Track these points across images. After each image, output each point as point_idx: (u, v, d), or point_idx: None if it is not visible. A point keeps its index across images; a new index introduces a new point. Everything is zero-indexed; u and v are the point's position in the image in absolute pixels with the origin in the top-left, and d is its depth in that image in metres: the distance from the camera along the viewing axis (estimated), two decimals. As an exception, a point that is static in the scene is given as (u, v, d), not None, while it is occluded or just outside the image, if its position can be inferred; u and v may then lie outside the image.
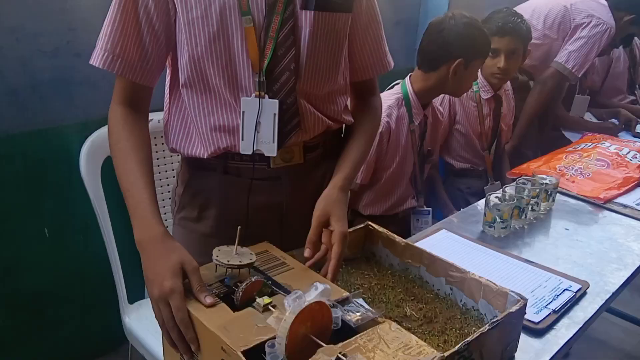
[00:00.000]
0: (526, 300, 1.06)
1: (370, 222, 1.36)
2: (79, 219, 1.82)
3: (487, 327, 0.98)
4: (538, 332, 1.18)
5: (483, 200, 1.67)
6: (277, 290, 0.97)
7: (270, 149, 1.09)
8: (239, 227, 0.99)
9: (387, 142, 1.86)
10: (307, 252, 1.05)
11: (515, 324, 1.06)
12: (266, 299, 0.92)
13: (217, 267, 0.98)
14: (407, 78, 1.95)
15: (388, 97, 1.88)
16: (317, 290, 0.87)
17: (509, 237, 1.61)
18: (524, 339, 1.16)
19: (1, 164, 1.69)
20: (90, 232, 1.66)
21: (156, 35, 1.06)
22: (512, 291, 1.08)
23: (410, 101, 1.89)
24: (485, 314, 1.13)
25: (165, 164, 1.86)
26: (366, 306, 0.96)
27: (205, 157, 1.13)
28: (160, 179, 1.83)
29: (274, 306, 0.91)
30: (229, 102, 1.09)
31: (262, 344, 0.84)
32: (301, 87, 1.10)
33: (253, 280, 0.94)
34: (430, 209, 2.03)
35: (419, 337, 1.06)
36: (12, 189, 1.73)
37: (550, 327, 1.20)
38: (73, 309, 1.91)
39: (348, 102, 1.30)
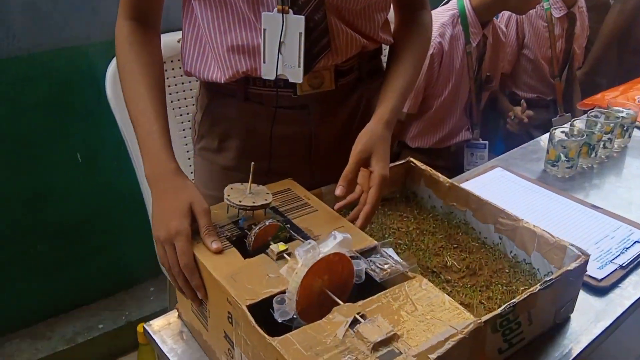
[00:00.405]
0: (588, 256, 0.91)
1: (412, 159, 1.21)
2: (112, 144, 1.74)
3: (538, 286, 0.84)
4: (600, 290, 1.03)
5: (547, 135, 1.48)
6: (296, 235, 0.86)
7: (295, 74, 0.95)
8: (253, 163, 0.87)
9: (439, 66, 1.66)
10: (339, 190, 0.93)
11: (573, 283, 0.91)
12: (281, 246, 0.81)
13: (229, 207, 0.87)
14: None
15: (441, 14, 1.66)
16: (335, 240, 0.75)
17: (574, 178, 1.43)
18: (583, 298, 1.01)
19: (24, 86, 1.61)
20: (123, 158, 1.59)
21: None
22: (571, 245, 0.93)
23: (467, 18, 1.67)
24: (538, 269, 0.99)
25: (190, 83, 1.71)
26: (396, 257, 0.83)
27: (222, 82, 1.00)
28: (186, 105, 1.71)
29: (289, 254, 0.80)
30: (247, 18, 0.94)
31: (271, 297, 0.73)
32: (331, 0, 0.93)
33: (267, 223, 0.83)
34: (486, 142, 1.84)
35: (459, 291, 0.95)
36: (38, 113, 1.67)
37: (615, 285, 1.05)
38: (108, 237, 1.89)
39: (390, 19, 1.12)
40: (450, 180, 1.12)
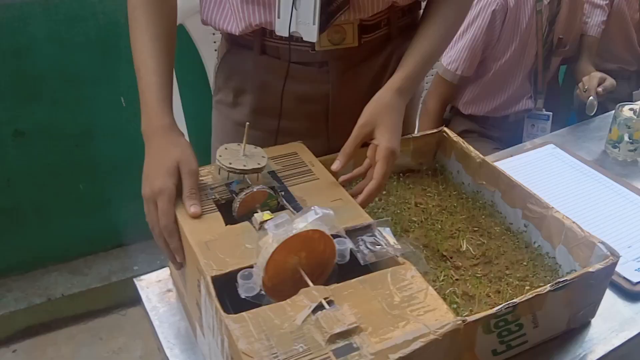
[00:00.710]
0: (618, 257, 0.79)
1: (445, 128, 1.11)
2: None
3: (548, 287, 0.74)
4: (633, 295, 0.91)
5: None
6: (287, 204, 0.81)
7: (309, 32, 0.87)
8: (247, 123, 0.82)
9: (502, 25, 1.50)
10: (334, 165, 0.86)
11: (594, 286, 0.80)
12: (266, 215, 0.76)
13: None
14: None
15: None
16: (314, 216, 0.69)
17: (637, 163, 1.26)
18: (610, 301, 0.90)
19: (74, 26, 1.63)
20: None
21: None
22: (602, 242, 0.81)
23: None
24: (561, 265, 0.88)
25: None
26: (390, 239, 0.77)
27: (237, 33, 0.94)
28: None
29: (273, 224, 0.75)
30: None
31: (240, 270, 0.69)
32: None
33: (255, 189, 0.79)
34: (550, 113, 1.67)
35: (466, 280, 0.87)
36: (85, 54, 1.69)
37: (654, 290, 0.92)
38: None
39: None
40: (482, 156, 1.02)
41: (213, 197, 0.82)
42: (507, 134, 1.68)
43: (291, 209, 0.80)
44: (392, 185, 1.06)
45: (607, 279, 0.81)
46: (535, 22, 1.52)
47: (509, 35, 1.52)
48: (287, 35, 0.88)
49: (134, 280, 0.95)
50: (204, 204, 0.80)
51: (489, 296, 0.85)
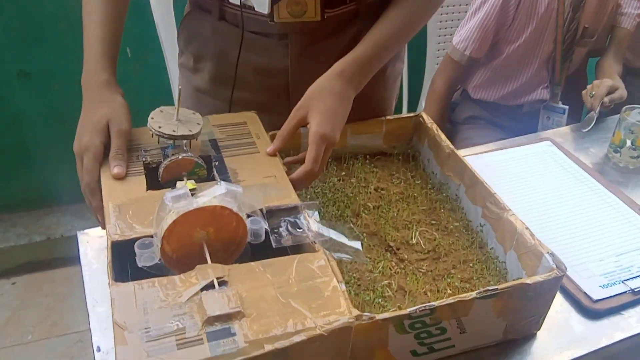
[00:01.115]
0: (563, 272, 0.72)
1: (423, 113, 1.04)
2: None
3: (474, 294, 0.69)
4: (590, 312, 0.84)
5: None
6: (216, 175, 0.78)
7: (261, 3, 0.81)
8: (180, 87, 0.78)
9: (517, 5, 1.39)
10: (270, 148, 0.81)
11: (536, 299, 0.74)
12: (189, 184, 0.72)
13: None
14: None
15: None
16: (220, 191, 0.65)
17: (638, 172, 1.16)
18: (566, 315, 0.84)
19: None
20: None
21: None
22: (550, 253, 0.75)
23: None
24: (509, 271, 0.82)
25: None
26: (313, 224, 0.72)
27: None
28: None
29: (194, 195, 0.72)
30: None
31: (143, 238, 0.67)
32: None
33: (181, 157, 0.75)
34: (566, 107, 1.55)
35: (407, 274, 0.82)
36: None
37: (614, 311, 0.84)
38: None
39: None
40: (452, 147, 0.96)
41: (144, 159, 0.79)
42: (519, 124, 1.57)
43: (219, 180, 0.76)
44: (356, 167, 1.01)
45: (550, 292, 0.75)
46: (555, 6, 1.41)
47: (524, 18, 1.41)
48: (238, 2, 0.83)
49: (77, 233, 0.94)
50: (133, 165, 0.78)
51: (426, 294, 0.80)
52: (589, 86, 1.33)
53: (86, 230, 0.94)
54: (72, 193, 2.01)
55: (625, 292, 0.86)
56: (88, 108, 0.81)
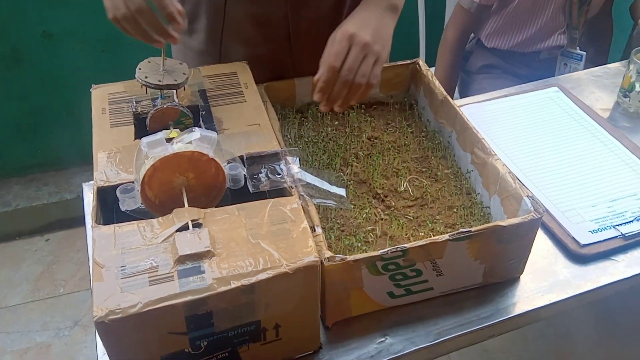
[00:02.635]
0: (540, 215, 0.73)
1: (419, 60, 1.03)
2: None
3: (446, 236, 0.70)
4: (577, 257, 0.84)
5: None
6: (201, 124, 0.80)
7: None
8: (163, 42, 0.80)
9: None
10: (316, 76, 0.80)
11: (513, 242, 0.75)
12: (173, 133, 0.75)
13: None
14: None
15: None
16: (193, 137, 0.68)
17: (647, 116, 1.13)
18: (551, 259, 0.84)
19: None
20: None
21: None
22: (529, 196, 0.75)
23: None
24: (493, 216, 0.83)
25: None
26: (294, 169, 0.74)
27: None
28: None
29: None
30: None
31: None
32: None
33: (165, 106, 0.78)
34: (583, 53, 1.50)
35: (391, 221, 0.84)
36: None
37: (603, 256, 0.84)
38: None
39: None
40: (445, 94, 0.95)
41: (134, 109, 0.82)
42: (536, 72, 1.53)
43: (204, 129, 0.79)
44: (351, 116, 1.02)
45: (528, 235, 0.75)
46: None
47: None
48: None
49: (82, 184, 0.99)
50: (124, 116, 0.81)
51: (409, 239, 0.81)
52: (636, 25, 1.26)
53: (90, 182, 0.98)
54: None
55: (616, 237, 0.85)
56: None
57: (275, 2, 0.94)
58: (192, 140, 0.67)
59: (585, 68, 1.51)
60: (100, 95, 0.85)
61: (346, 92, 0.80)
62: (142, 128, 0.80)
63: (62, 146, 2.07)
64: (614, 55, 1.72)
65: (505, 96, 1.17)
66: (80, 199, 2.10)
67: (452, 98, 0.95)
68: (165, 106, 0.78)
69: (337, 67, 0.78)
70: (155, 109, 0.78)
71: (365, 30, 0.80)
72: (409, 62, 1.04)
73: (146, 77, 0.79)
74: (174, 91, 0.82)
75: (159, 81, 0.79)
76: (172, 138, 0.73)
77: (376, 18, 0.83)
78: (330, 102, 0.81)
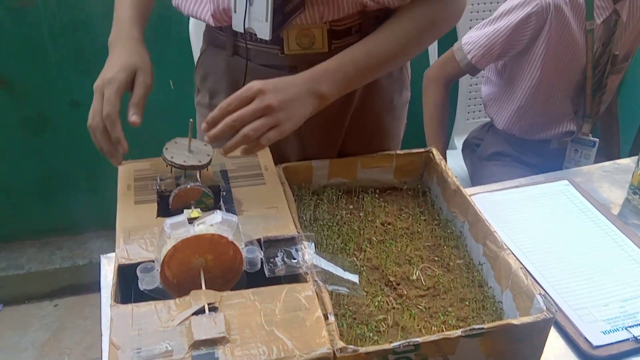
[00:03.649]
0: (553, 314, 0.73)
1: (433, 149, 1.07)
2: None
3: (459, 332, 0.70)
4: (589, 358, 0.83)
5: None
6: (222, 205, 0.83)
7: (262, 30, 0.87)
8: (191, 120, 0.84)
9: (537, 32, 1.38)
10: (202, 126, 0.81)
11: (525, 341, 0.75)
12: (194, 212, 0.78)
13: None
14: None
15: None
16: (216, 220, 0.70)
17: (658, 214, 1.14)
18: (565, 358, 0.83)
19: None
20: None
21: None
22: (542, 294, 0.75)
23: None
24: (505, 312, 0.83)
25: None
26: (308, 255, 0.76)
27: (207, 19, 0.93)
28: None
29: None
30: None
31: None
32: None
33: (189, 186, 0.81)
34: (596, 139, 1.53)
35: (403, 311, 0.84)
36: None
37: (614, 358, 0.83)
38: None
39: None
40: (457, 183, 0.97)
41: (158, 187, 0.85)
42: (547, 162, 1.57)
43: (224, 210, 0.81)
44: (365, 201, 1.04)
45: (541, 334, 0.75)
46: (585, 41, 1.40)
47: (546, 45, 1.40)
48: (242, 30, 0.88)
49: (100, 256, 1.00)
50: (147, 193, 0.84)
51: (421, 331, 0.81)
52: None
53: (109, 254, 0.99)
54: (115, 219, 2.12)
55: (628, 339, 0.85)
56: (117, 56, 0.86)
57: None
58: (214, 223, 0.69)
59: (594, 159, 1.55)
60: (127, 172, 0.88)
61: (233, 137, 0.80)
62: (165, 206, 0.82)
63: (79, 211, 2.11)
64: (624, 147, 1.76)
65: (517, 187, 1.19)
66: (92, 265, 2.12)
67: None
68: (188, 186, 0.80)
69: (227, 110, 0.79)
70: (178, 188, 0.81)
71: (276, 94, 0.81)
72: (422, 150, 1.07)
73: (172, 157, 0.82)
74: (198, 171, 0.86)
75: (184, 162, 0.82)
76: (194, 218, 0.76)
77: (297, 91, 0.84)
78: (212, 139, 0.80)
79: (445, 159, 1.51)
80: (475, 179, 1.66)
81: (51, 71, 1.81)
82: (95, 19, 1.76)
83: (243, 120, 0.79)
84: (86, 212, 2.07)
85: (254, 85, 0.81)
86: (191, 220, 0.76)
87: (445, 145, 1.60)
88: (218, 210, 0.71)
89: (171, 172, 0.87)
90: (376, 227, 0.99)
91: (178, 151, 0.83)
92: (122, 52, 0.86)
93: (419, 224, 1.00)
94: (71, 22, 1.74)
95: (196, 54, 1.61)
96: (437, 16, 0.92)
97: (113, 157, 0.83)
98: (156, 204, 0.82)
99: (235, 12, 0.87)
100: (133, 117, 0.80)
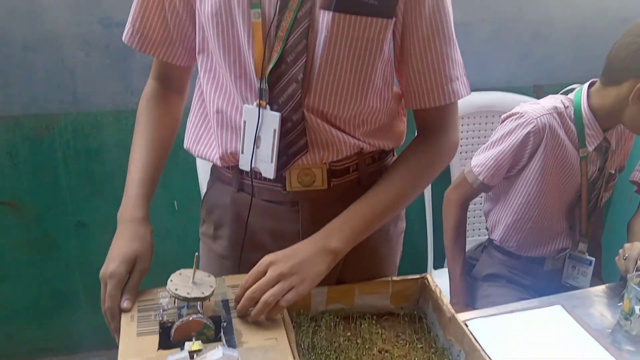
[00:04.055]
0: None
1: (428, 275, 1.10)
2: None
3: None
4: None
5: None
6: (222, 336, 0.85)
7: (268, 169, 0.94)
8: (197, 253, 0.89)
9: (534, 150, 1.49)
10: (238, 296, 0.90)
11: None
12: (195, 345, 0.80)
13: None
14: (586, 86, 1.50)
15: (553, 100, 1.52)
16: (215, 356, 0.72)
17: (651, 340, 1.16)
18: None
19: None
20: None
21: (178, 14, 0.98)
22: None
23: (582, 117, 1.47)
24: None
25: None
26: (307, 388, 0.77)
27: (215, 161, 1.02)
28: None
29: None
30: (237, 103, 0.97)
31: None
32: (311, 103, 0.93)
33: (191, 318, 0.84)
34: (592, 259, 1.57)
35: None
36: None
37: None
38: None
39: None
40: (452, 311, 1.00)
41: (161, 318, 0.88)
42: (541, 283, 1.60)
43: (224, 341, 0.84)
44: (362, 327, 1.06)
45: None
46: (579, 168, 1.49)
47: (541, 165, 1.49)
48: (248, 169, 0.97)
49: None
50: (150, 324, 0.86)
51: None
52: (620, 250, 1.34)
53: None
54: (113, 339, 2.11)
55: None
56: (121, 240, 0.94)
57: (291, 220, 1.04)
58: (216, 358, 0.72)
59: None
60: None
61: (255, 308, 0.87)
62: (167, 337, 0.84)
63: (74, 331, 2.09)
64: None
65: (512, 312, 1.21)
66: (82, 386, 2.07)
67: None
68: (190, 319, 0.83)
69: (246, 287, 0.88)
70: (180, 320, 0.83)
71: (286, 261, 0.90)
72: (417, 276, 1.11)
73: (176, 290, 0.86)
74: (200, 302, 0.89)
75: (188, 294, 0.86)
76: (196, 351, 0.79)
77: (306, 254, 0.92)
78: (239, 313, 0.88)
79: (463, 275, 1.61)
80: (470, 298, 1.67)
81: (61, 194, 1.89)
82: (106, 147, 1.87)
83: (262, 289, 0.87)
84: (82, 331, 2.05)
85: (266, 259, 0.90)
86: (192, 354, 0.78)
87: (464, 263, 1.65)
88: (220, 346, 0.73)
89: (174, 303, 0.90)
90: (374, 354, 1.00)
91: (182, 283, 0.87)
92: (125, 239, 0.94)
93: (416, 352, 1.01)
94: (84, 150, 1.85)
95: (202, 180, 1.70)
96: (431, 159, 1.02)
97: (115, 335, 0.90)
98: (158, 335, 0.84)
99: (242, 152, 0.96)
100: (125, 303, 0.89)
